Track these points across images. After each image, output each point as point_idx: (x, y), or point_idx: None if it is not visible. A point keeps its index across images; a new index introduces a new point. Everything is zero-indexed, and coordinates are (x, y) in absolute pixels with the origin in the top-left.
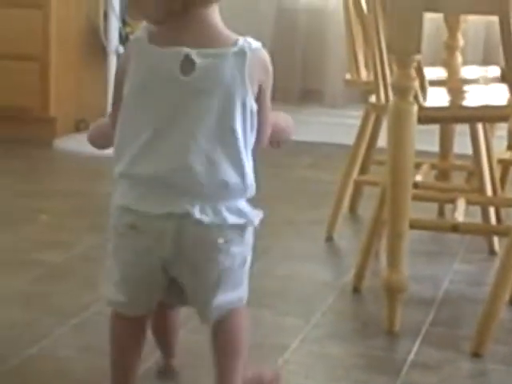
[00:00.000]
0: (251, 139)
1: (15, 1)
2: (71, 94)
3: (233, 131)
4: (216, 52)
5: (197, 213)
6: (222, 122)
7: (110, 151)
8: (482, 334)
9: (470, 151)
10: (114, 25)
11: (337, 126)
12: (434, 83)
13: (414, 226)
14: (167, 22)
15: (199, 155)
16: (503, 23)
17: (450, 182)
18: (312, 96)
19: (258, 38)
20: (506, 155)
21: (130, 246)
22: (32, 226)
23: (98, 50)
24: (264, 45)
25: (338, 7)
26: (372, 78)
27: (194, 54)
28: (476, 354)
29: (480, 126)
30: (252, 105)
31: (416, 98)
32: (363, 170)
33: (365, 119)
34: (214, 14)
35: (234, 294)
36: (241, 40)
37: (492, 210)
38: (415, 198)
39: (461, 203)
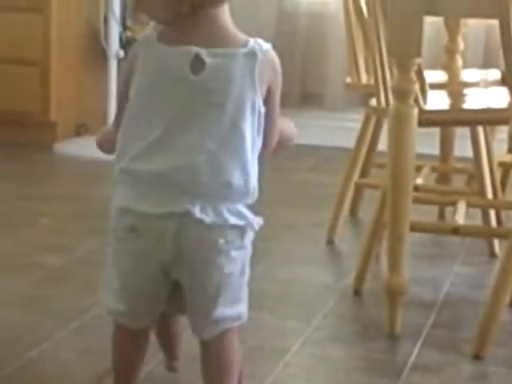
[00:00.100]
0: (258, 143)
1: (16, 5)
2: (72, 99)
3: (241, 132)
4: (226, 52)
5: (197, 212)
6: (231, 122)
7: (111, 156)
8: (483, 337)
9: (470, 154)
10: (115, 29)
11: (337, 130)
12: (434, 86)
13: (414, 228)
14: (176, 23)
15: (205, 155)
16: (503, 27)
17: (450, 185)
18: (312, 99)
19: None
20: (507, 158)
21: (129, 251)
22: (32, 229)
23: (99, 54)
24: (274, 47)
25: (339, 11)
26: (372, 81)
27: (204, 53)
28: (477, 357)
29: (480, 129)
30: (260, 106)
31: (416, 101)
32: (364, 173)
33: (365, 122)
34: (225, 15)
35: (233, 310)
36: (251, 41)
37: (492, 213)
38: (416, 200)
39: (461, 206)
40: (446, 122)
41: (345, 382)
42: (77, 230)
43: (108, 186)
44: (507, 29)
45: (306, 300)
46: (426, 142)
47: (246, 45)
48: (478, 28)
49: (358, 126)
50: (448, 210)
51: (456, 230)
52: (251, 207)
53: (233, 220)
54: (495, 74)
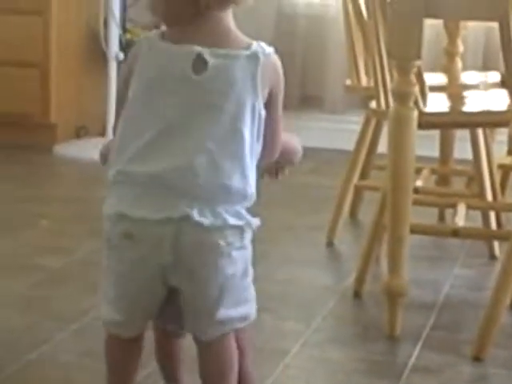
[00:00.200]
0: (257, 147)
1: (16, 8)
2: (71, 101)
3: (241, 134)
4: (228, 53)
5: (196, 215)
6: (231, 124)
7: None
8: (483, 339)
9: (470, 156)
10: (114, 31)
11: (337, 132)
12: (434, 89)
13: (414, 230)
14: (180, 24)
15: (204, 156)
16: (503, 29)
17: (450, 187)
18: (312, 102)
19: None
20: (507, 160)
21: (125, 258)
22: (32, 231)
23: (99, 56)
24: (276, 50)
25: (338, 13)
26: (372, 83)
27: (206, 53)
28: (477, 359)
29: (480, 131)
30: (261, 109)
31: (416, 103)
32: (364, 175)
33: (365, 125)
34: (228, 18)
35: (237, 311)
36: (254, 44)
37: (492, 215)
38: (415, 202)
39: (461, 208)
40: (445, 124)
41: None
42: (76, 231)
43: (107, 188)
44: (507, 31)
45: (305, 302)
46: (426, 144)
47: (248, 47)
48: (477, 30)
49: (358, 128)
50: (448, 212)
51: (456, 232)
52: (249, 209)
53: (232, 220)
54: (495, 76)
